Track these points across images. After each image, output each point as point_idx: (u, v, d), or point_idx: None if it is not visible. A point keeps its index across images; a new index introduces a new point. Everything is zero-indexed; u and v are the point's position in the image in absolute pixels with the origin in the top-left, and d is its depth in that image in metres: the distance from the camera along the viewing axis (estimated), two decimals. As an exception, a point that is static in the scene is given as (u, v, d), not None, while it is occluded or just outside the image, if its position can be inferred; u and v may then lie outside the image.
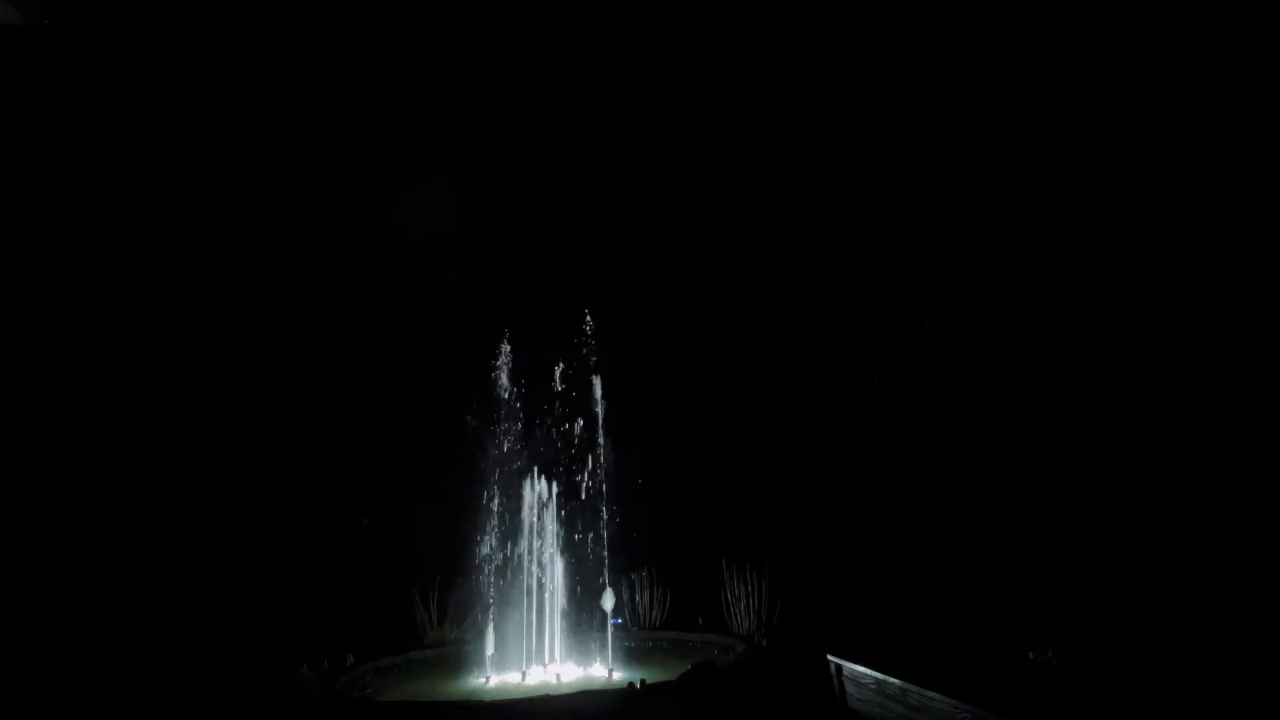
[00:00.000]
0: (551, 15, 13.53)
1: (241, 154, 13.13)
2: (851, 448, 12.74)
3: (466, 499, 10.91)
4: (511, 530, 10.66)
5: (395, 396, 13.85)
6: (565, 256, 14.63)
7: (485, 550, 10.57)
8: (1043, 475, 9.18)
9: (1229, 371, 7.75)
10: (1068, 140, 9.95)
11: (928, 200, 12.41)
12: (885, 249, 13.01)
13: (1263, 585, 6.48)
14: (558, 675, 9.25)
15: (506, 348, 11.74)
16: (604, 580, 10.59)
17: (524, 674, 9.32)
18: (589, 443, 11.32)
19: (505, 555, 10.54)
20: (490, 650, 9.68)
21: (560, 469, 11.11)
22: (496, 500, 10.82)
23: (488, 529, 10.67)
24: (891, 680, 6.04)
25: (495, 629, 9.98)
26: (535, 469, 10.93)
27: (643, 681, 7.28)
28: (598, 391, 11.51)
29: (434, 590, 11.23)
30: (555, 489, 10.92)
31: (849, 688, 6.91)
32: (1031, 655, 6.68)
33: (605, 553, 10.76)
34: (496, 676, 9.22)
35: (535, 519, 10.67)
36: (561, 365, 11.71)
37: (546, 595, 10.37)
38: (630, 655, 10.32)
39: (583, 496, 11.12)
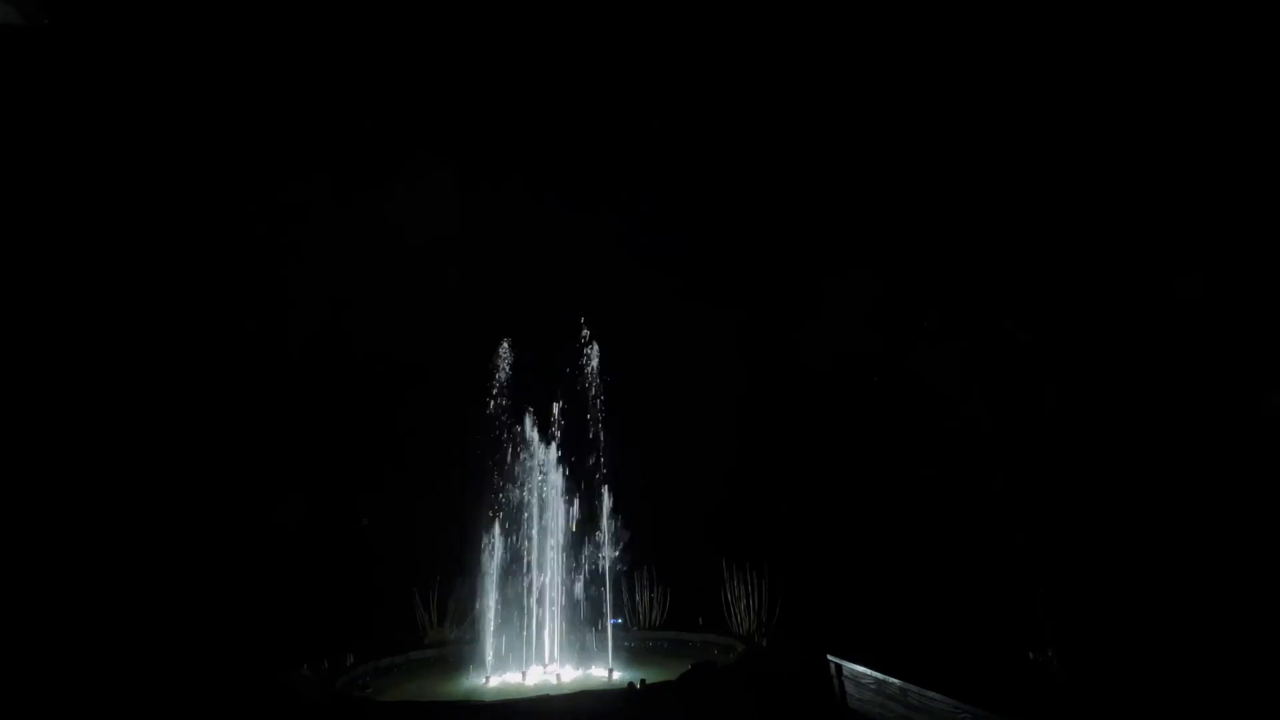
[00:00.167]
0: (551, 15, 13.54)
1: (241, 154, 13.14)
2: (851, 448, 12.74)
3: (467, 499, 10.91)
4: (512, 530, 10.66)
5: (395, 396, 13.85)
6: (565, 256, 14.64)
7: (485, 550, 10.56)
8: (1043, 475, 9.18)
9: (1229, 371, 7.75)
10: (1068, 141, 9.95)
11: (927, 200, 12.41)
12: (885, 249, 13.01)
13: (1263, 585, 6.48)
14: (558, 675, 9.24)
15: (507, 349, 11.73)
16: (604, 586, 10.60)
17: (524, 674, 9.32)
18: (589, 443, 11.32)
19: (505, 555, 10.53)
20: (490, 650, 9.69)
21: (560, 470, 11.11)
22: (497, 500, 10.81)
23: (488, 529, 10.66)
24: (891, 680, 6.04)
25: (495, 629, 9.98)
26: (535, 469, 10.93)
27: (643, 681, 7.28)
28: (598, 392, 11.51)
29: (434, 590, 11.23)
30: (555, 489, 10.92)
31: (849, 688, 6.91)
32: (1031, 655, 6.68)
33: (605, 553, 10.75)
34: (496, 676, 9.22)
35: (535, 519, 10.67)
36: (561, 365, 11.70)
37: (547, 595, 10.37)
38: (630, 655, 10.31)
39: (583, 497, 11.11)
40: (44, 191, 11.01)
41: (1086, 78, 9.71)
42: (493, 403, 11.44)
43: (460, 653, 10.26)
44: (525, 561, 10.48)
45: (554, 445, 11.17)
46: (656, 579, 11.66)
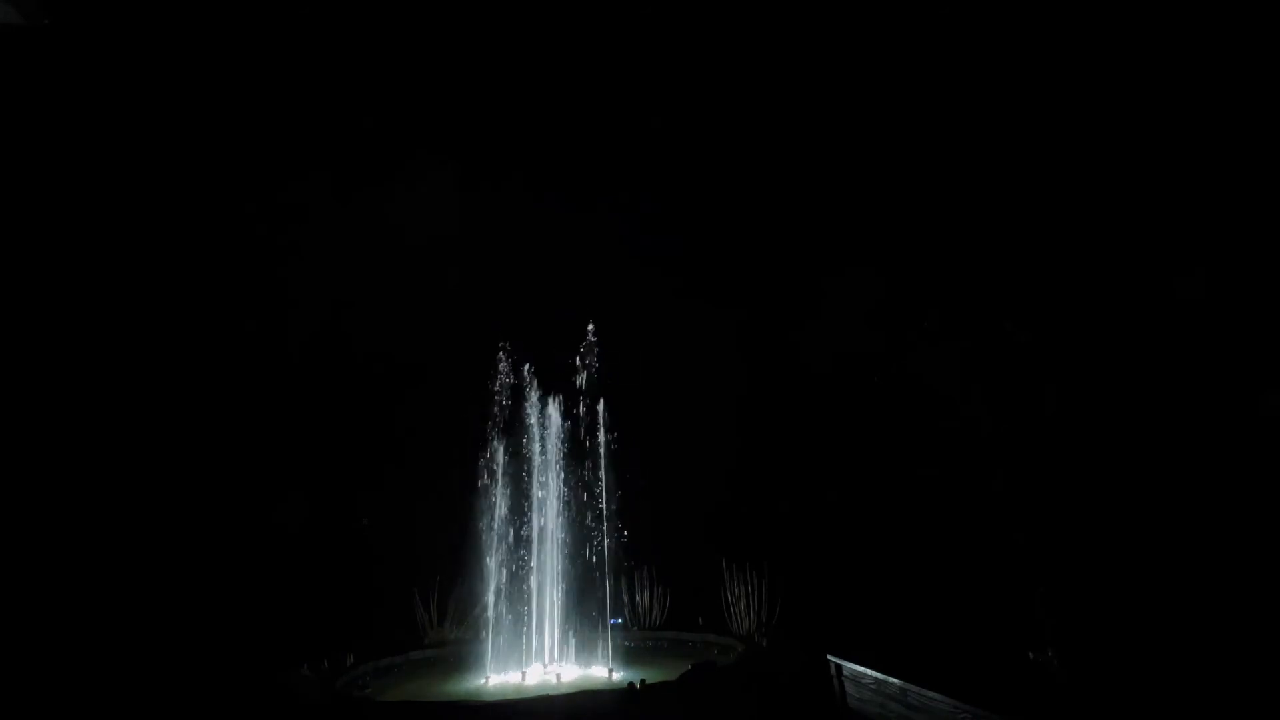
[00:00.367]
0: (551, 15, 13.54)
1: (242, 154, 13.13)
2: (851, 448, 12.74)
3: (467, 499, 10.91)
4: (512, 530, 10.66)
5: (395, 396, 13.85)
6: (565, 256, 14.64)
7: (485, 550, 10.57)
8: (1042, 475, 9.17)
9: (1229, 371, 7.75)
10: (1068, 141, 9.95)
11: (927, 201, 12.40)
12: (885, 249, 13.00)
13: (1263, 585, 6.48)
14: (558, 675, 9.24)
15: (507, 350, 11.73)
16: (604, 588, 10.61)
17: (524, 674, 9.32)
18: (590, 443, 11.31)
19: (505, 555, 10.53)
20: (490, 650, 9.69)
21: (560, 469, 11.11)
22: (497, 500, 10.81)
23: (488, 529, 10.66)
24: (891, 680, 6.04)
25: (495, 629, 9.98)
26: (536, 469, 10.94)
27: (643, 681, 7.28)
28: (597, 390, 11.51)
29: (434, 590, 11.23)
30: (556, 489, 10.93)
31: (849, 688, 6.91)
32: (1031, 655, 6.68)
33: (605, 553, 10.76)
34: (496, 676, 9.22)
35: (536, 519, 10.68)
36: (561, 366, 11.69)
37: (547, 595, 10.37)
38: (630, 655, 10.31)
39: (583, 496, 11.12)
40: (44, 191, 11.00)
41: (1086, 78, 9.71)
42: (493, 403, 11.43)
43: (460, 653, 10.27)
44: (525, 561, 10.48)
45: (554, 445, 11.17)
46: (656, 579, 11.66)
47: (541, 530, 10.66)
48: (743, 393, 14.13)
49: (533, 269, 14.86)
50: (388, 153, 14.23)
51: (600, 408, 11.41)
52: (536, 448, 11.10)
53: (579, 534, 10.91)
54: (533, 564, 10.47)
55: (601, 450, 11.23)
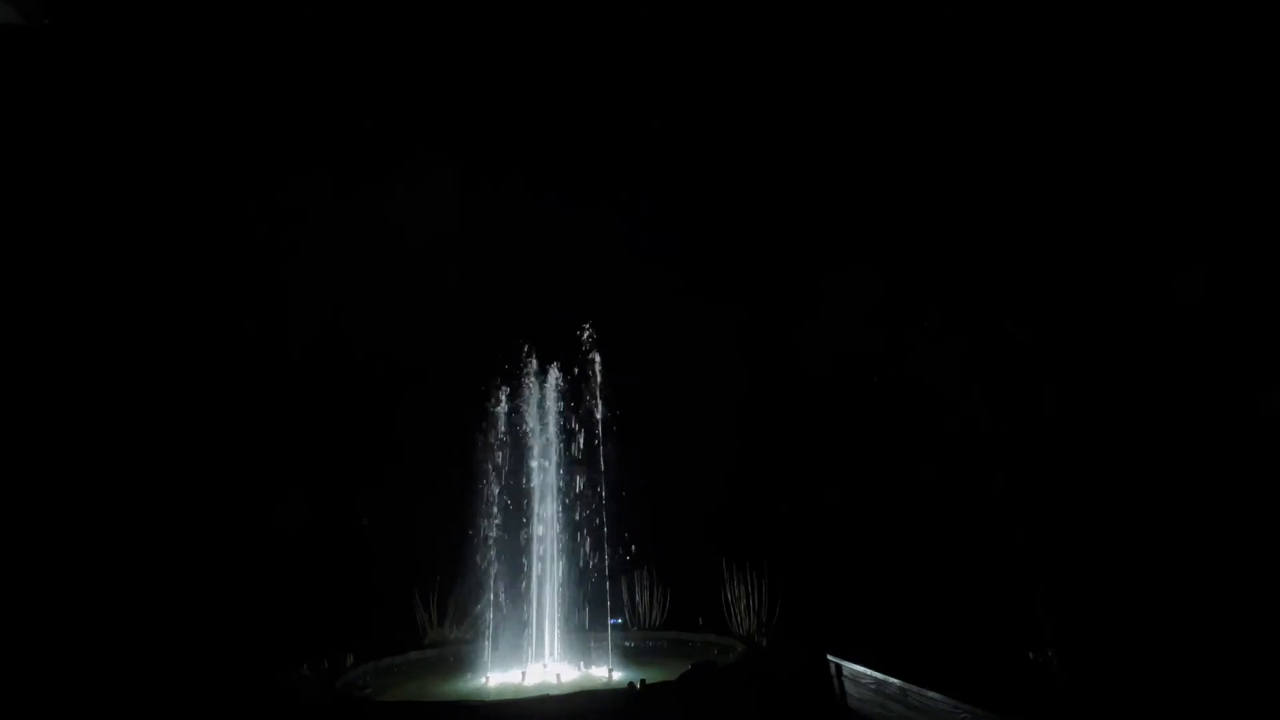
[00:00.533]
0: (551, 15, 13.54)
1: (241, 154, 13.13)
2: (851, 448, 12.74)
3: (467, 499, 10.91)
4: (512, 530, 10.66)
5: (395, 396, 13.85)
6: (565, 256, 14.63)
7: (486, 550, 10.57)
8: (1043, 475, 9.18)
9: (1229, 371, 7.75)
10: (1068, 140, 9.95)
11: (927, 201, 12.41)
12: (885, 249, 13.00)
13: (1263, 585, 6.48)
14: (558, 675, 9.24)
15: (515, 350, 11.73)
16: (605, 585, 10.60)
17: (524, 674, 9.32)
18: (590, 443, 11.31)
19: (505, 555, 10.53)
20: (490, 650, 9.68)
21: (561, 469, 11.11)
22: (497, 500, 10.82)
23: (488, 529, 10.67)
24: (891, 680, 6.05)
25: (495, 628, 9.98)
26: (536, 469, 10.93)
27: (643, 681, 7.27)
28: (598, 392, 11.51)
29: (434, 590, 11.23)
30: (556, 489, 10.93)
31: (849, 688, 6.91)
32: (1031, 655, 6.68)
33: (605, 553, 10.76)
34: (496, 676, 9.22)
35: (536, 519, 10.67)
36: (561, 368, 11.69)
37: (547, 595, 10.37)
38: (630, 655, 10.31)
39: (583, 496, 11.12)
40: (44, 191, 11.01)
41: (1086, 78, 9.72)
42: (492, 403, 11.43)
43: (460, 653, 10.26)
44: (525, 561, 10.48)
45: (554, 444, 11.17)
46: (656, 579, 11.66)
47: (541, 530, 10.65)
48: (743, 393, 14.12)
49: (533, 269, 14.86)
50: (388, 153, 14.23)
51: (600, 408, 11.40)
52: (536, 447, 11.10)
53: (579, 534, 10.91)
54: (533, 564, 10.47)
55: (601, 450, 11.23)
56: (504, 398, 11.38)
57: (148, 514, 10.93)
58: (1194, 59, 8.53)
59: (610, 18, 13.59)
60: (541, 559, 10.53)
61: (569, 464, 11.17)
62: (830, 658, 7.20)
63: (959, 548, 9.77)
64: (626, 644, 10.82)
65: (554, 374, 11.53)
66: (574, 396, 11.49)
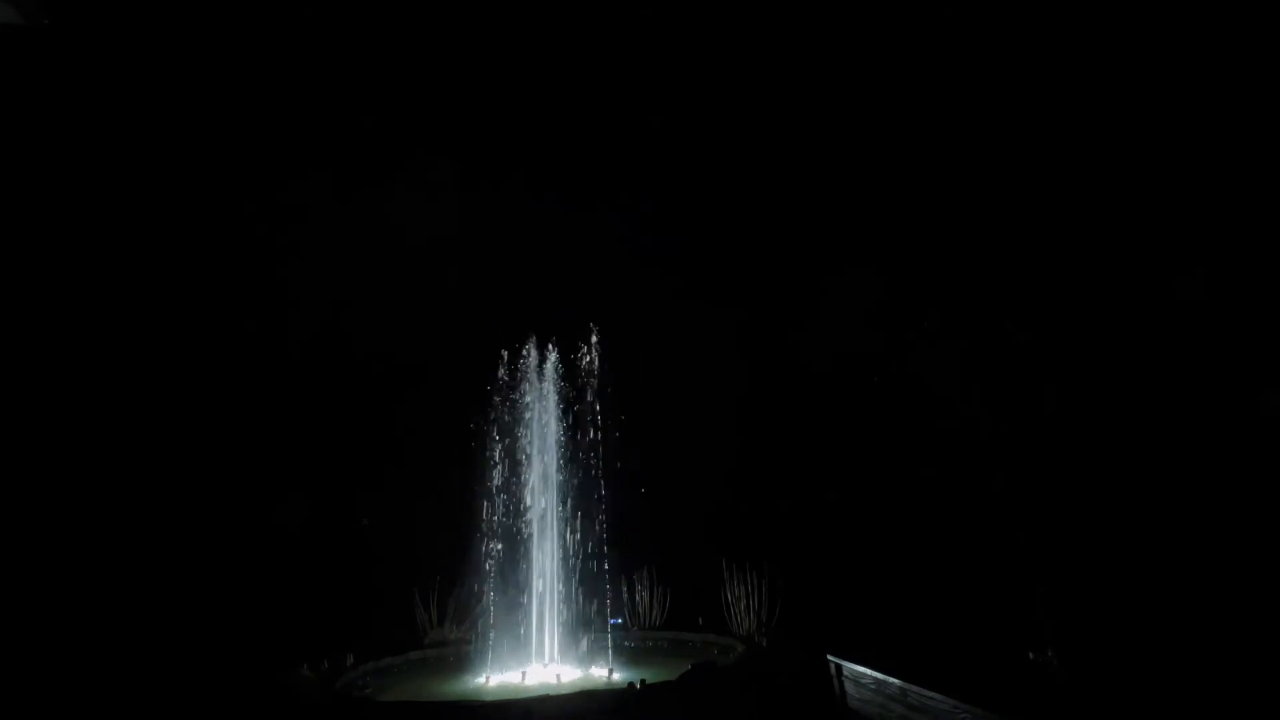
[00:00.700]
0: (551, 15, 13.54)
1: (241, 154, 13.14)
2: (851, 448, 12.74)
3: (467, 499, 10.91)
4: (512, 530, 10.66)
5: (395, 396, 13.85)
6: (565, 256, 14.63)
7: (485, 550, 10.57)
8: (1043, 475, 9.18)
9: (1229, 371, 7.75)
10: (1068, 140, 9.95)
11: (927, 200, 12.41)
12: (885, 249, 13.01)
13: (1263, 585, 6.48)
14: (558, 675, 9.24)
15: (505, 351, 11.74)
16: (605, 585, 10.60)
17: (524, 674, 9.32)
18: (590, 443, 11.31)
19: (505, 555, 10.53)
20: (490, 650, 9.68)
21: (561, 469, 11.11)
22: (497, 500, 10.82)
23: (488, 529, 10.67)
24: (891, 680, 6.05)
25: (495, 629, 9.98)
26: (537, 469, 10.93)
27: (643, 681, 7.27)
28: (597, 391, 11.51)
29: (434, 590, 11.23)
30: (556, 489, 10.92)
31: (849, 688, 6.91)
32: (1031, 655, 6.68)
33: (605, 553, 10.75)
34: (496, 676, 9.22)
35: (536, 520, 10.67)
36: (561, 368, 11.69)
37: (547, 595, 10.36)
38: (630, 655, 10.31)
39: (583, 496, 11.12)
40: (44, 191, 11.01)
41: (1086, 77, 9.72)
42: (492, 403, 11.42)
43: (460, 653, 10.26)
44: (525, 561, 10.48)
45: (554, 444, 11.17)
46: (656, 579, 11.66)
47: (541, 531, 10.65)
48: (743, 393, 14.13)
49: (533, 269, 14.86)
50: (388, 153, 14.23)
51: (599, 407, 11.40)
52: (537, 447, 11.09)
53: (579, 534, 10.90)
54: (533, 564, 10.47)
55: (601, 450, 11.22)
56: (503, 398, 11.38)
57: (148, 514, 10.93)
58: (1193, 60, 8.53)
59: (610, 18, 13.59)
60: (541, 559, 10.52)
61: (569, 464, 11.16)
62: (830, 658, 7.20)
63: (959, 548, 9.78)
64: (626, 644, 10.82)
65: (554, 374, 11.53)
66: (574, 396, 11.49)
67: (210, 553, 11.06)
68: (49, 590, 9.47)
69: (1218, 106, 8.34)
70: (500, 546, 10.56)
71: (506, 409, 11.28)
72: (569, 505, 10.94)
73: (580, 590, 10.64)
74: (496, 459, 11.04)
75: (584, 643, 10.26)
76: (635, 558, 11.50)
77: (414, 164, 14.19)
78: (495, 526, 10.66)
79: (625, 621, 11.45)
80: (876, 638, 7.29)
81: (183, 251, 12.66)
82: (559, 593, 10.46)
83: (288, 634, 9.70)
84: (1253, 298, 7.74)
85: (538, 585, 10.39)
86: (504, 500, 10.83)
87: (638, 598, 11.58)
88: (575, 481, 11.09)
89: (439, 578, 11.27)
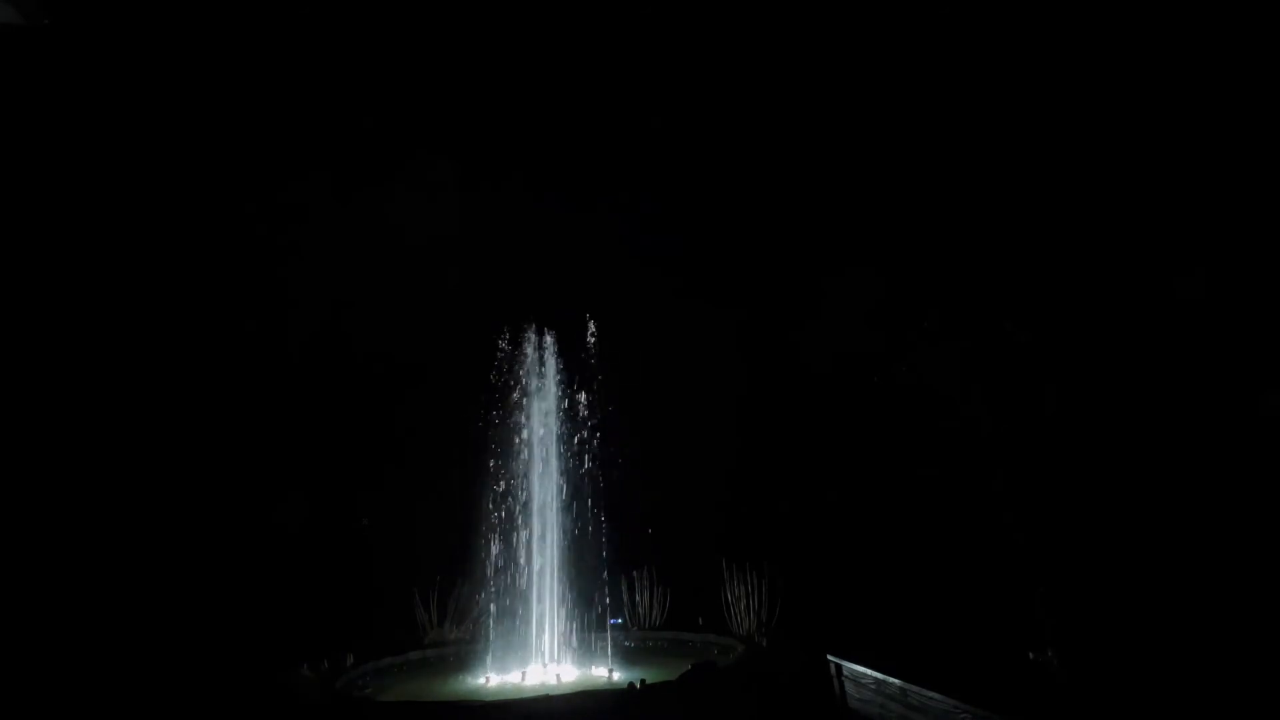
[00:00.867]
0: (551, 15, 13.54)
1: (242, 154, 13.14)
2: (851, 448, 12.74)
3: (467, 499, 10.90)
4: (512, 530, 10.66)
5: (395, 396, 13.85)
6: (565, 256, 14.63)
7: (485, 550, 10.56)
8: (1043, 475, 9.17)
9: (1229, 371, 7.75)
10: (1067, 140, 9.94)
11: (927, 201, 12.40)
12: (885, 249, 13.00)
13: (1263, 585, 6.48)
14: (558, 675, 9.24)
15: (506, 348, 11.73)
16: (604, 583, 10.60)
17: (524, 674, 9.32)
18: (590, 443, 11.31)
19: (505, 555, 10.53)
20: (490, 650, 9.68)
21: (561, 469, 11.10)
22: (497, 501, 10.81)
23: (488, 529, 10.66)
24: (891, 680, 6.05)
25: (495, 628, 9.98)
26: (536, 469, 10.93)
27: (643, 681, 7.27)
28: (598, 392, 11.51)
29: (434, 590, 11.23)
30: (555, 489, 10.92)
31: (849, 688, 6.91)
32: (1031, 655, 6.68)
33: (605, 553, 10.75)
34: (496, 676, 9.22)
35: (536, 520, 10.67)
36: (561, 367, 11.69)
37: (547, 595, 10.36)
38: (630, 655, 10.31)
39: (583, 496, 11.11)
40: (44, 191, 11.01)
41: (1086, 77, 9.71)
42: (492, 402, 11.42)
43: (460, 653, 10.26)
44: (525, 562, 10.48)
45: (554, 444, 11.16)
46: (656, 579, 11.66)
47: (542, 531, 10.65)
48: (743, 393, 14.13)
49: (533, 269, 14.86)
50: (388, 153, 14.23)
51: (598, 408, 11.40)
52: (536, 447, 11.09)
53: (579, 534, 10.90)
54: (533, 564, 10.46)
55: (600, 450, 11.22)
56: (502, 397, 11.37)
57: (148, 514, 10.93)
58: (1193, 60, 8.53)
59: (610, 18, 13.59)
60: (541, 559, 10.52)
61: (568, 464, 11.16)
62: (830, 658, 7.20)
63: (959, 548, 9.77)
64: (626, 644, 10.82)
65: (554, 374, 11.53)
66: (574, 397, 11.48)
67: (210, 553, 11.06)
68: (49, 590, 9.47)
69: (1217, 106, 8.34)
70: (500, 547, 10.56)
71: (505, 408, 11.27)
72: (568, 505, 10.94)
73: (580, 591, 10.64)
74: (496, 459, 11.03)
75: (584, 642, 10.25)
76: (635, 558, 11.50)
77: (414, 164, 14.19)
78: (496, 526, 10.65)
79: (625, 621, 11.45)
80: (876, 638, 7.29)
81: (183, 251, 12.66)
82: (558, 593, 10.45)
83: (288, 634, 9.70)
84: (1253, 298, 7.74)
85: (537, 585, 10.39)
86: (504, 501, 10.82)
87: (638, 598, 11.58)
88: (574, 481, 11.09)
89: (439, 578, 11.27)
